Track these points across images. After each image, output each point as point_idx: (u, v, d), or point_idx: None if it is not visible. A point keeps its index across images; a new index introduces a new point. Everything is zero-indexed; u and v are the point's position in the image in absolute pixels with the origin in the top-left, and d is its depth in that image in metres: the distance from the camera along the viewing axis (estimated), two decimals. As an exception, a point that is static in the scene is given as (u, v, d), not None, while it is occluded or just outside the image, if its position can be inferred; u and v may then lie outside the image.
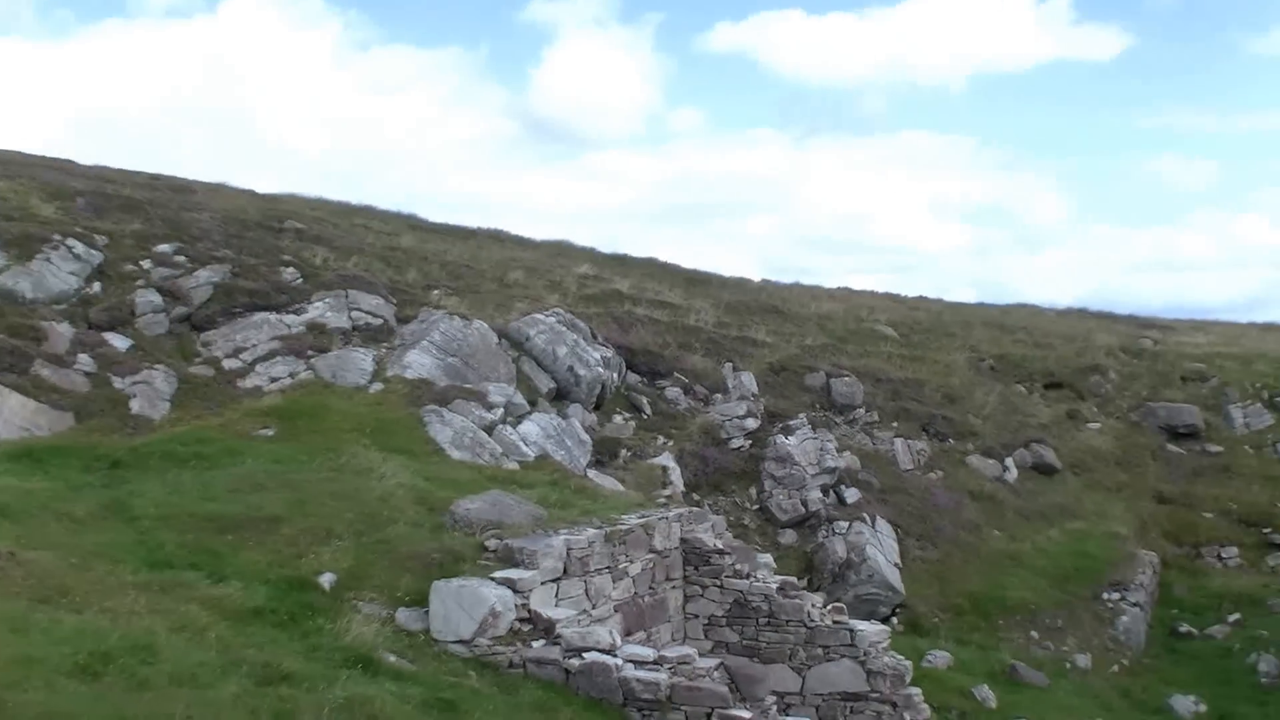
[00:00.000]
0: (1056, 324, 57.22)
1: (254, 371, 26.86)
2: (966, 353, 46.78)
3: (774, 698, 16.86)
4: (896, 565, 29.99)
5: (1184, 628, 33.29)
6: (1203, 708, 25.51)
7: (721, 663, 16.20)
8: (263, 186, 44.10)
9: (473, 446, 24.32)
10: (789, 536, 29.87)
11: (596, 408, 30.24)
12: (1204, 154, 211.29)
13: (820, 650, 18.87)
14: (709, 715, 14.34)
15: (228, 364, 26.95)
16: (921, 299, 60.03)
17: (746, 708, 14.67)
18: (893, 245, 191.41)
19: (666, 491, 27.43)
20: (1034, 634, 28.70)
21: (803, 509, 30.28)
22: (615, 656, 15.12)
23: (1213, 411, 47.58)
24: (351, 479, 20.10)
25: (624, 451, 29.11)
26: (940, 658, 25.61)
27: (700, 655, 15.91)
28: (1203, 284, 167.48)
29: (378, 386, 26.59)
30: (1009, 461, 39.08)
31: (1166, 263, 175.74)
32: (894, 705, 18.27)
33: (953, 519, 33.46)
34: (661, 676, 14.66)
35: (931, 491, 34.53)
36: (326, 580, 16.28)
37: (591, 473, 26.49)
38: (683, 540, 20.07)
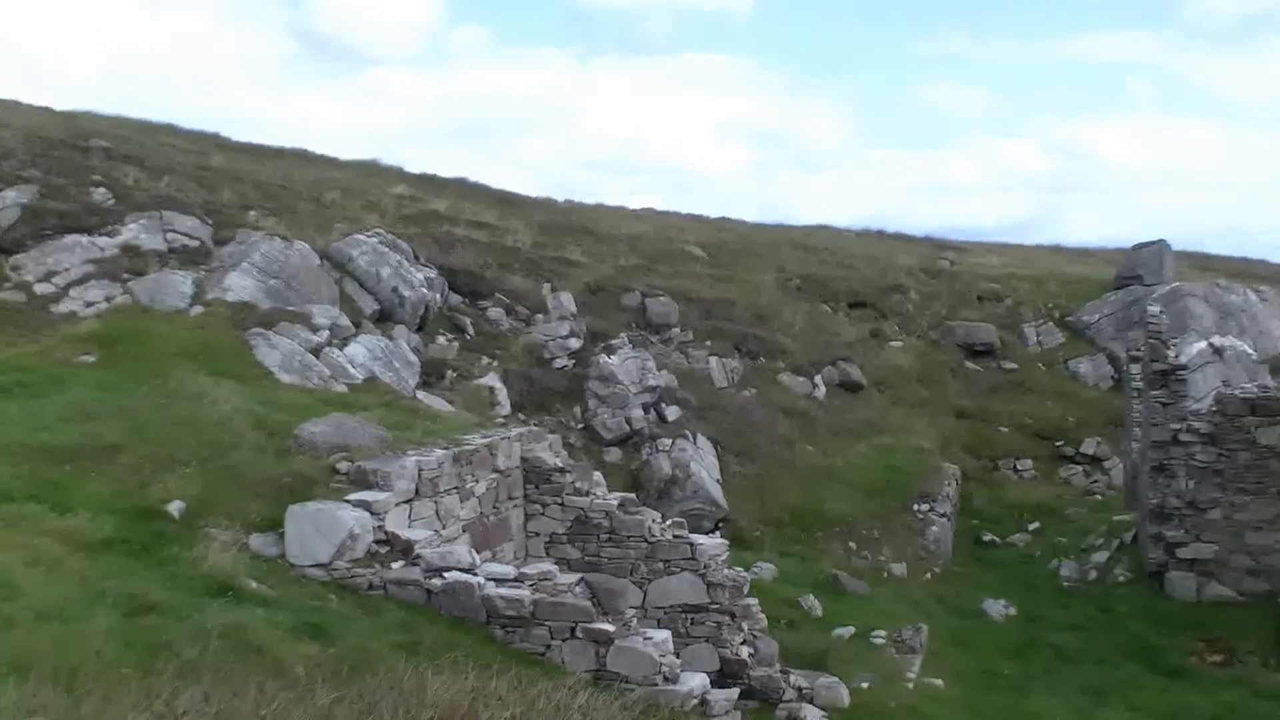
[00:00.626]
0: (857, 245, 58.42)
1: (68, 296, 26.00)
2: (774, 273, 47.54)
3: (634, 611, 17.18)
4: (718, 481, 30.61)
5: (987, 536, 34.69)
6: (1013, 611, 26.62)
7: (582, 578, 16.43)
8: (39, 102, 41.99)
9: (301, 370, 24.04)
10: (614, 454, 30.24)
11: (419, 329, 30.07)
12: (978, 81, 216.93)
13: (661, 564, 19.21)
14: (573, 630, 14.64)
15: (40, 289, 26.02)
16: (725, 220, 60.65)
17: (609, 621, 14.96)
18: (674, 166, 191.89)
19: (504, 412, 27.57)
20: (852, 545, 29.62)
21: (627, 427, 30.66)
22: (476, 575, 15.28)
23: (1008, 330, 49.42)
24: (185, 405, 19.66)
25: (450, 373, 29.08)
26: (766, 569, 26.24)
27: (560, 572, 16.14)
28: (975, 207, 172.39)
29: (198, 310, 25.99)
30: (818, 379, 40.03)
31: (941, 186, 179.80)
32: (733, 615, 18.69)
33: (768, 435, 34.20)
34: (524, 594, 14.89)
35: (747, 409, 35.24)
36: (176, 508, 16.03)
37: (420, 394, 26.40)
38: (523, 459, 20.22)
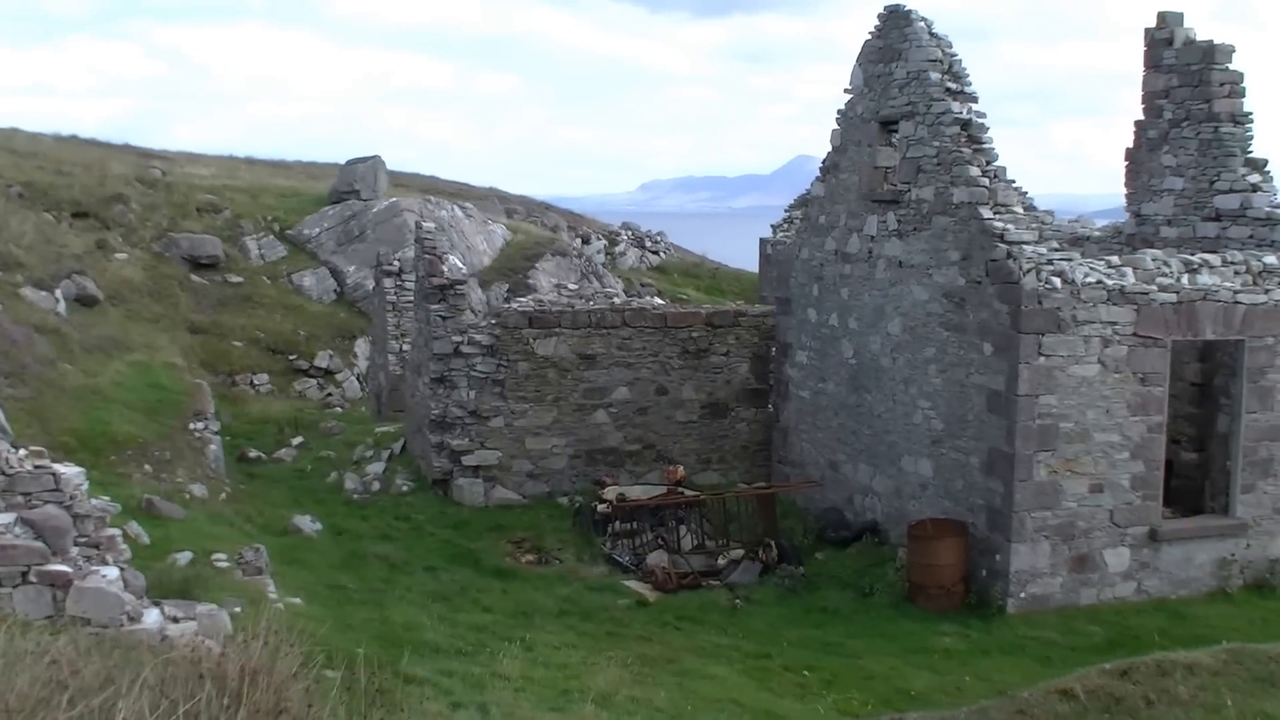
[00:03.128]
0: (63, 150, 56.24)
1: None
2: (-10, 178, 45.14)
3: (78, 548, 16.71)
4: (-3, 405, 29.26)
5: (253, 453, 35.13)
6: (320, 526, 27.57)
7: (19, 516, 15.80)
8: None
9: None
10: (-118, 382, 28.01)
11: None
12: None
13: (22, 498, 18.64)
14: (25, 574, 14.17)
15: None
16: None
17: (60, 561, 14.70)
18: None
19: None
20: (148, 468, 29.14)
21: (-104, 351, 28.51)
22: (-103, 525, 14.45)
23: (230, 243, 49.98)
24: None
25: None
26: (75, 498, 25.66)
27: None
28: (74, 109, 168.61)
29: None
30: (59, 293, 38.77)
31: (45, 87, 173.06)
32: (98, 547, 18.70)
33: (32, 355, 32.75)
34: (-36, 541, 14.30)
35: (5, 327, 33.68)
36: None
37: None
38: None
